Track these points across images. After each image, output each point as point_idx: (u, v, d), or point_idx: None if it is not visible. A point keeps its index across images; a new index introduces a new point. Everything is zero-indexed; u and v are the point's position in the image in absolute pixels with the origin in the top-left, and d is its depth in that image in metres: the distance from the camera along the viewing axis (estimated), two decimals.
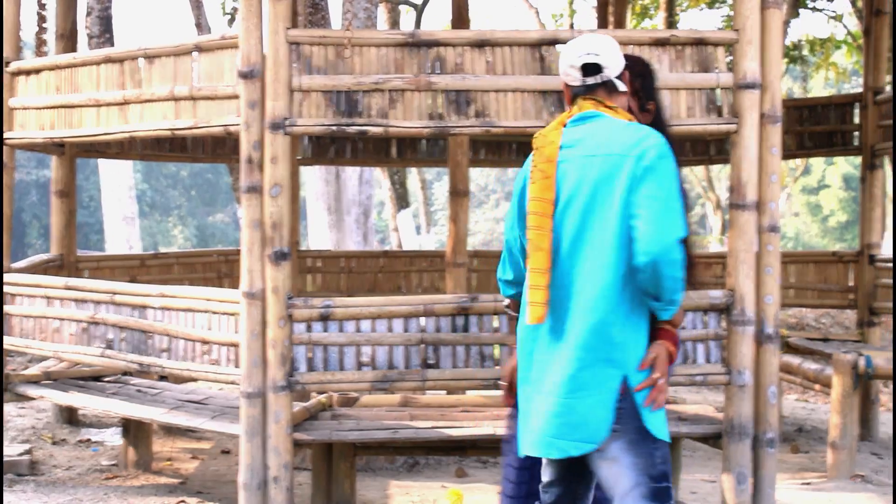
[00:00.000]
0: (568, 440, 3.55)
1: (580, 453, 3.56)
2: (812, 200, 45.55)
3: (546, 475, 3.79)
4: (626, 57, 3.99)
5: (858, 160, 8.77)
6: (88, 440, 7.70)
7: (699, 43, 4.93)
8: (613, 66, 3.73)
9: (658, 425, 3.59)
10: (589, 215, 3.54)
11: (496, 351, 5.05)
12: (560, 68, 3.80)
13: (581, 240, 3.55)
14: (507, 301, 4.12)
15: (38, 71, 6.17)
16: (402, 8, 22.21)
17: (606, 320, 3.52)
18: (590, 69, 3.70)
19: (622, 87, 3.80)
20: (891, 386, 12.10)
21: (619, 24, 9.96)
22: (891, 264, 8.32)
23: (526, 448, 3.70)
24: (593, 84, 3.72)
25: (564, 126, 3.69)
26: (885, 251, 11.31)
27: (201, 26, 15.59)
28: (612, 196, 3.51)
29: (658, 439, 3.58)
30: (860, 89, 8.77)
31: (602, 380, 3.53)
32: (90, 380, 6.71)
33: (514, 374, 3.98)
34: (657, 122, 4.10)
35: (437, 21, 29.06)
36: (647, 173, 3.50)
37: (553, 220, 3.59)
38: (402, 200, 21.74)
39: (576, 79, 3.73)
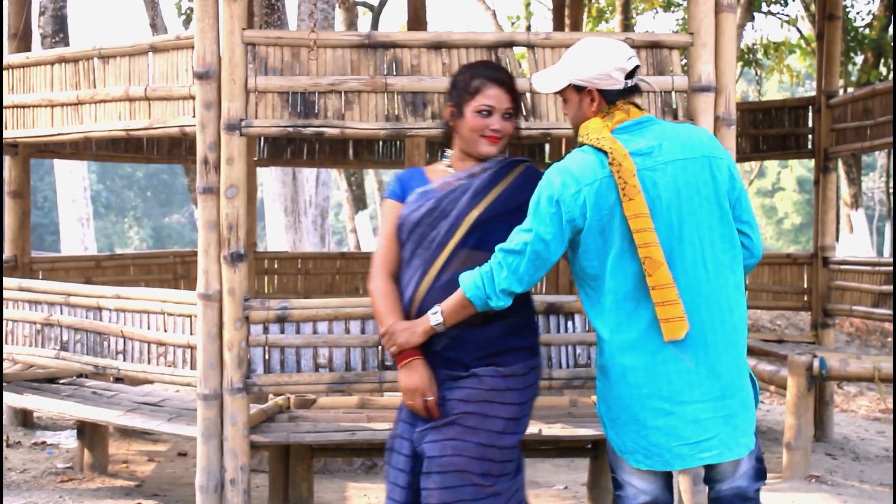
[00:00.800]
0: (749, 436, 3.59)
1: (754, 446, 3.65)
2: (767, 203, 45.98)
3: (656, 485, 3.66)
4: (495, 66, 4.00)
5: (812, 163, 8.85)
6: (43, 443, 7.64)
7: (654, 46, 4.94)
8: None
9: None
10: (696, 218, 3.49)
11: None
12: (595, 70, 3.59)
13: (695, 242, 3.48)
14: (440, 318, 3.72)
15: None
16: (359, 9, 22.21)
17: (741, 315, 3.59)
18: (632, 73, 3.63)
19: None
20: (845, 387, 12.25)
21: (576, 26, 10.00)
22: (844, 266, 8.42)
23: (693, 459, 3.51)
24: (632, 87, 3.64)
25: (612, 132, 3.55)
26: (839, 254, 11.42)
27: (156, 26, 15.53)
28: (714, 196, 3.52)
29: None
30: (814, 93, 8.85)
31: (747, 373, 3.65)
32: (45, 382, 6.64)
33: (434, 386, 3.79)
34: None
35: (394, 22, 29.01)
36: (738, 179, 3.61)
37: (655, 231, 3.44)
38: (359, 202, 21.78)
39: (618, 82, 3.59)
